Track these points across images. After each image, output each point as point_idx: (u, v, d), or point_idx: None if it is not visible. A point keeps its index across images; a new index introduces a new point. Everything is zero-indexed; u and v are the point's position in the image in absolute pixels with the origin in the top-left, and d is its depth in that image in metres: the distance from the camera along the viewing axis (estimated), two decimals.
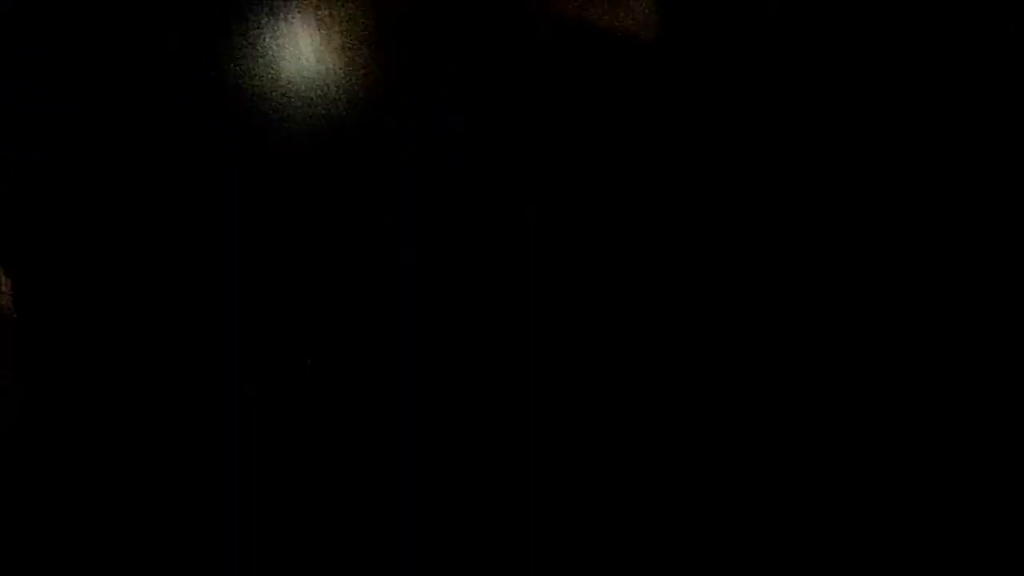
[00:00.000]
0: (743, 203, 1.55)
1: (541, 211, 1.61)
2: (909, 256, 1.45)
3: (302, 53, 1.83)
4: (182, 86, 1.74)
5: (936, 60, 1.44)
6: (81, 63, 1.71)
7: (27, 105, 1.70)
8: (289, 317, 1.47)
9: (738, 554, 1.14)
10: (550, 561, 1.08)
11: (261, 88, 1.72)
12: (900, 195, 1.45)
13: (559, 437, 1.29)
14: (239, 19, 1.76)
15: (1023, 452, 1.27)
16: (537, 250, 1.59)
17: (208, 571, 1.04)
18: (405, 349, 1.43)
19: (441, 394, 1.34)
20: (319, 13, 1.77)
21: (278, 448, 1.22)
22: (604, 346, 1.47)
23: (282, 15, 1.79)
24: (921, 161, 1.44)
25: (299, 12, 1.77)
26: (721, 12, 1.52)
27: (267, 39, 1.80)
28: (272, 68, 1.78)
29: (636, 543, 1.13)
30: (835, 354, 1.43)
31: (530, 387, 1.38)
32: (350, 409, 1.32)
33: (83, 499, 1.11)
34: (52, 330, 1.40)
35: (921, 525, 1.22)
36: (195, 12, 1.77)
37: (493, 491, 1.18)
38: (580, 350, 1.46)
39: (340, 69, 1.80)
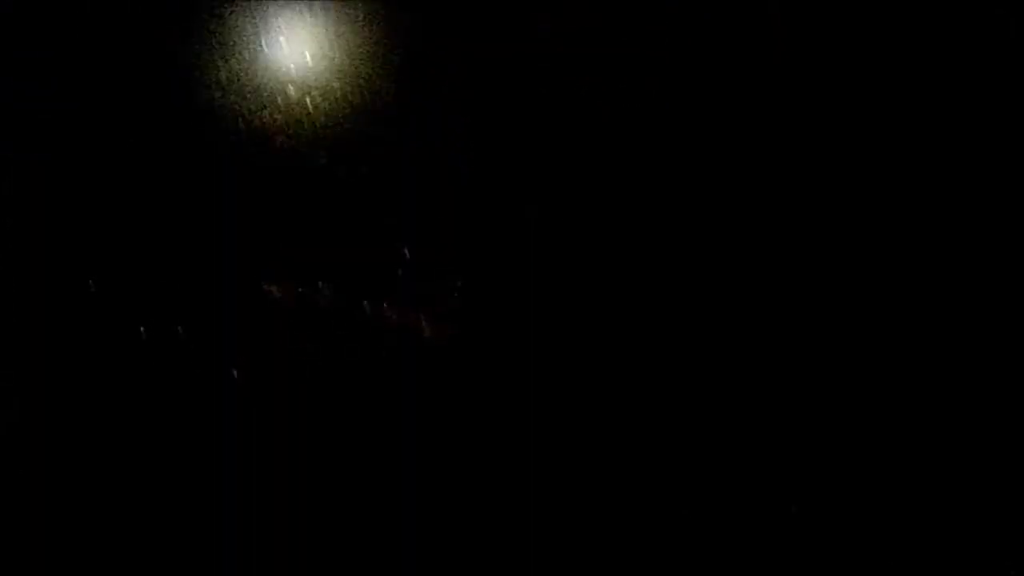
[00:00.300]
0: (741, 202, 1.54)
1: (541, 211, 1.60)
2: (908, 255, 1.44)
3: (303, 54, 1.82)
4: (182, 86, 1.74)
5: (936, 60, 1.44)
6: (81, 63, 1.70)
7: (27, 105, 1.69)
8: (288, 316, 1.46)
9: (736, 551, 1.14)
10: (549, 557, 1.08)
11: (260, 89, 1.71)
12: (898, 195, 1.45)
13: (559, 433, 1.29)
14: (239, 21, 1.76)
15: (1022, 451, 1.27)
16: (537, 250, 1.59)
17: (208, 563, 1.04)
18: (405, 347, 1.43)
19: (441, 393, 1.34)
20: (319, 16, 1.77)
21: (277, 448, 1.22)
22: (603, 343, 1.46)
23: (282, 18, 1.79)
24: (920, 161, 1.44)
25: (299, 15, 1.77)
26: (720, 15, 1.51)
27: (266, 41, 1.79)
28: (271, 69, 1.77)
29: (633, 540, 1.13)
30: (830, 352, 1.42)
31: (530, 385, 1.38)
32: (351, 407, 1.32)
33: (82, 496, 1.11)
34: (51, 328, 1.40)
35: (919, 521, 1.22)
36: (195, 14, 1.76)
37: (493, 487, 1.18)
38: (579, 348, 1.46)
39: (341, 69, 1.79)
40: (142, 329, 1.43)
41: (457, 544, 1.14)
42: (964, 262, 1.41)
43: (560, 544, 1.16)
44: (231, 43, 1.76)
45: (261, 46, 1.75)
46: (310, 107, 1.70)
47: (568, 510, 1.19)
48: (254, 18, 1.73)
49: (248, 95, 1.70)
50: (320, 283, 1.54)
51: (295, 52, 1.80)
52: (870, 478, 1.29)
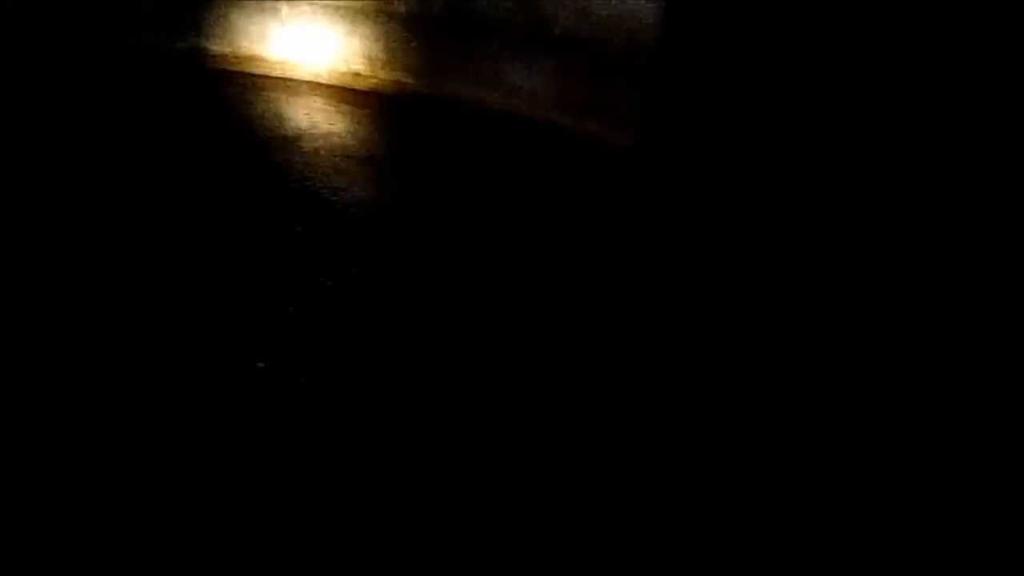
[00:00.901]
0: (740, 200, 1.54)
1: (541, 211, 1.60)
2: (910, 265, 1.44)
3: (303, 52, 1.81)
4: (182, 85, 1.74)
5: (936, 60, 1.44)
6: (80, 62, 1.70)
7: (27, 105, 1.69)
8: (287, 315, 1.47)
9: (743, 550, 1.15)
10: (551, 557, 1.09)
11: (259, 88, 1.71)
12: (897, 195, 1.45)
13: (559, 433, 1.30)
14: (240, 23, 1.75)
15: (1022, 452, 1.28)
16: (537, 250, 1.59)
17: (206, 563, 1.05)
18: (405, 347, 1.43)
19: (441, 391, 1.35)
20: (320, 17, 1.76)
21: (276, 449, 1.22)
22: (603, 344, 1.47)
23: (281, 18, 1.79)
24: (920, 161, 1.44)
25: (298, 13, 1.77)
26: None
27: (265, 41, 1.79)
28: (271, 68, 1.77)
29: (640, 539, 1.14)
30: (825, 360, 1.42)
31: (530, 385, 1.38)
32: (350, 406, 1.32)
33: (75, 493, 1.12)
34: (51, 328, 1.40)
35: (921, 522, 1.22)
36: (196, 15, 1.75)
37: (493, 488, 1.19)
38: (580, 349, 1.46)
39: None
40: (142, 328, 1.44)
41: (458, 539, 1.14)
42: (964, 262, 1.41)
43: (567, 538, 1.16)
44: (231, 44, 1.76)
45: (260, 46, 1.75)
46: (311, 107, 1.70)
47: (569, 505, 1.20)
48: (254, 20, 1.73)
49: (248, 95, 1.71)
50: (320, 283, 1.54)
51: (295, 50, 1.79)
52: (871, 478, 1.29)
